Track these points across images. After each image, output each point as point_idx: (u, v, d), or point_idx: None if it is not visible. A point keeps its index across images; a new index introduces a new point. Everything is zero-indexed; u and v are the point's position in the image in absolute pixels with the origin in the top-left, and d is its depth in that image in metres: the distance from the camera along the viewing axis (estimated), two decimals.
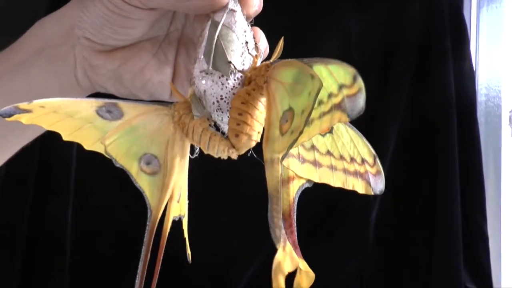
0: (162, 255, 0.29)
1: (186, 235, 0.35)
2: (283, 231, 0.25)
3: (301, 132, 0.26)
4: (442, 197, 0.93)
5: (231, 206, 0.89)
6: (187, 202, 0.34)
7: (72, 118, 0.30)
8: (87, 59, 0.36)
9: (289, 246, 0.25)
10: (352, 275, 0.95)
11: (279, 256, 0.25)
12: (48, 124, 0.30)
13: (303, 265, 0.27)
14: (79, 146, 0.33)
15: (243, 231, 0.88)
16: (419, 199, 0.95)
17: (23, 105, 0.29)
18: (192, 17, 0.38)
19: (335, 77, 0.26)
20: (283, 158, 0.27)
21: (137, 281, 0.29)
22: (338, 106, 0.25)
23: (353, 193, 0.97)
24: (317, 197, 0.92)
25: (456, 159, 0.95)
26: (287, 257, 0.25)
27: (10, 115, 0.29)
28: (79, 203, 0.88)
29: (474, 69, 1.05)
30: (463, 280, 0.97)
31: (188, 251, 0.37)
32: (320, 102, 0.26)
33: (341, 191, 0.97)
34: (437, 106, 0.94)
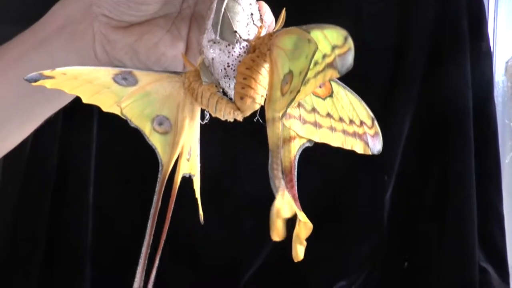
0: (172, 205, 0.32)
1: (197, 195, 0.37)
2: (282, 182, 0.28)
3: (298, 91, 0.29)
4: (456, 177, 0.94)
5: (243, 188, 0.92)
6: (198, 163, 0.36)
7: (91, 83, 0.33)
8: (105, 35, 0.39)
9: (287, 195, 0.28)
10: (365, 256, 0.96)
11: (277, 203, 0.27)
12: (69, 88, 0.32)
13: (302, 216, 0.30)
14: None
15: (255, 214, 0.91)
16: (433, 179, 0.96)
17: (47, 72, 0.32)
18: None
19: (329, 40, 0.28)
20: (282, 115, 0.29)
21: (148, 229, 0.31)
22: (330, 65, 0.27)
23: (367, 174, 0.98)
24: (330, 178, 0.95)
25: (471, 139, 0.96)
26: (285, 204, 0.27)
27: (35, 81, 0.32)
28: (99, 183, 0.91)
29: (492, 50, 1.05)
30: (478, 259, 0.98)
31: (201, 212, 0.39)
32: (316, 63, 0.28)
33: (354, 172, 0.97)
34: (453, 87, 0.95)
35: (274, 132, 0.30)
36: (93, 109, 0.90)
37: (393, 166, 0.93)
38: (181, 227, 0.92)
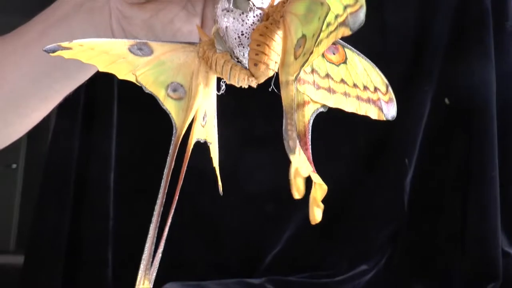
0: (185, 166, 0.32)
1: (215, 164, 0.38)
2: (297, 142, 0.28)
3: (311, 53, 0.29)
4: (478, 159, 0.93)
5: (267, 170, 0.92)
6: (215, 131, 0.37)
7: (107, 54, 0.33)
8: (121, 11, 0.40)
9: (302, 154, 0.28)
10: (385, 240, 0.96)
11: (295, 162, 0.27)
12: (86, 58, 0.33)
13: (316, 178, 0.30)
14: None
15: (277, 197, 0.91)
16: (454, 163, 0.95)
17: (65, 43, 0.33)
18: None
19: (342, 1, 0.28)
20: (296, 77, 0.30)
21: (161, 190, 0.32)
22: (343, 23, 0.27)
23: (388, 157, 0.98)
24: (351, 162, 0.95)
25: (494, 120, 0.95)
26: (302, 163, 0.28)
27: (53, 51, 0.33)
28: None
29: None
30: (501, 243, 0.96)
31: (219, 182, 0.40)
32: (328, 24, 0.28)
33: (376, 156, 0.97)
34: (476, 67, 0.94)
35: (288, 95, 0.30)
36: (113, 108, 0.92)
37: (413, 149, 0.93)
38: (204, 211, 0.94)
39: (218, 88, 0.38)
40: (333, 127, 0.82)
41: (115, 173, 0.92)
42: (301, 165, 0.27)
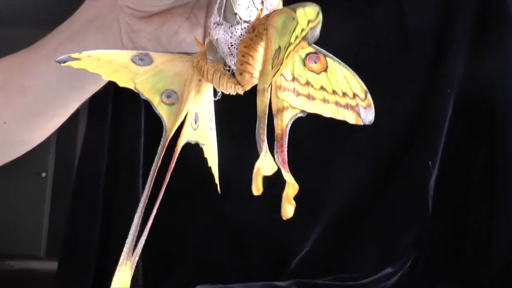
0: (172, 166, 0.36)
1: (210, 163, 0.41)
2: (265, 144, 0.31)
3: (281, 63, 0.32)
4: (502, 160, 0.92)
5: (292, 174, 0.94)
6: (209, 134, 0.41)
7: (111, 63, 0.38)
8: (130, 25, 0.44)
9: (268, 155, 0.31)
10: (410, 242, 0.97)
11: (259, 162, 0.31)
12: (92, 68, 0.37)
13: (289, 178, 0.33)
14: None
15: (303, 201, 0.93)
16: (479, 163, 0.95)
17: (74, 54, 0.37)
18: None
19: (307, 16, 0.31)
20: (269, 86, 0.33)
21: (146, 187, 0.36)
22: (304, 37, 0.30)
23: (411, 160, 0.99)
24: (374, 165, 0.96)
25: None
26: (266, 163, 0.31)
27: (64, 62, 0.37)
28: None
29: None
30: None
31: (216, 181, 0.43)
32: (296, 37, 0.31)
33: (399, 159, 0.99)
34: (498, 65, 0.93)
35: (263, 102, 0.33)
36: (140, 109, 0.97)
37: (436, 151, 0.93)
38: (231, 215, 0.97)
39: (215, 94, 0.41)
40: (356, 131, 0.84)
41: (143, 179, 0.97)
42: (264, 165, 0.30)
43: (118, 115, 0.96)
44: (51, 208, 5.28)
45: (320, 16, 0.29)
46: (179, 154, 0.38)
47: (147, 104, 0.39)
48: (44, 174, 5.18)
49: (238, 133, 0.66)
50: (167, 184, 0.37)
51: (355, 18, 0.83)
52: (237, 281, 0.98)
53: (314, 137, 0.87)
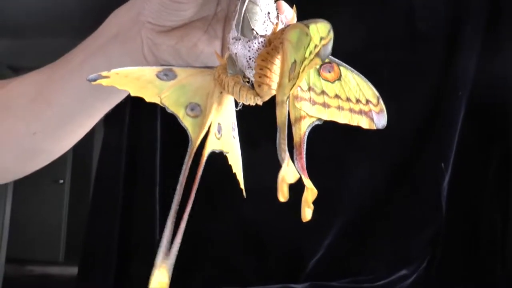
0: (200, 175, 0.39)
1: (235, 170, 0.44)
2: (287, 153, 0.34)
3: (298, 77, 0.34)
4: None
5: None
6: (232, 142, 0.43)
7: (138, 80, 0.40)
8: (151, 39, 0.46)
9: (291, 163, 0.33)
10: (424, 244, 0.98)
11: (283, 171, 0.33)
12: (120, 85, 0.40)
13: (308, 183, 0.35)
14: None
15: (318, 205, 0.95)
16: (492, 164, 0.96)
17: (104, 73, 0.40)
18: None
19: (320, 32, 0.33)
20: (287, 98, 0.35)
21: (175, 197, 0.38)
22: (317, 53, 0.32)
23: (424, 162, 1.01)
24: (387, 167, 0.97)
25: None
26: (289, 171, 0.33)
27: (95, 80, 0.40)
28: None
29: None
30: None
31: (242, 187, 0.46)
32: (310, 53, 0.34)
33: (412, 162, 1.00)
34: (509, 64, 0.94)
35: (282, 113, 0.35)
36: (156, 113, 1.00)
37: (449, 153, 0.94)
38: (249, 218, 0.99)
39: (237, 105, 0.44)
40: (369, 134, 0.85)
41: (160, 186, 1.00)
42: (288, 173, 0.32)
43: (135, 120, 0.99)
44: (68, 214, 5.38)
45: (332, 34, 0.32)
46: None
47: (162, 110, 0.42)
48: (62, 181, 5.29)
49: (258, 138, 0.68)
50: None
51: (366, 20, 0.84)
52: (255, 284, 1.00)
53: (327, 142, 0.89)
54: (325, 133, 0.38)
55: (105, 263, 1.04)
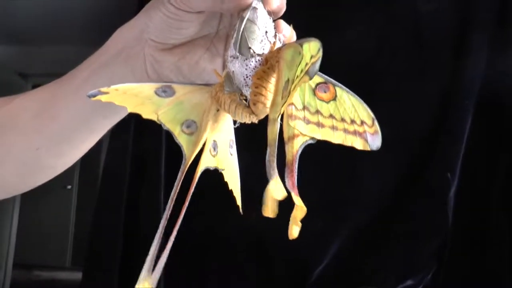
0: (192, 191, 0.39)
1: (231, 187, 0.44)
2: (276, 171, 0.34)
3: (289, 95, 0.35)
4: None
5: (313, 187, 0.96)
6: (229, 159, 0.43)
7: (136, 96, 0.41)
8: (154, 56, 0.47)
9: (279, 180, 0.33)
10: (431, 254, 0.97)
11: (271, 186, 0.33)
12: (119, 101, 0.41)
13: (298, 201, 0.35)
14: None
15: (323, 215, 0.95)
16: (500, 174, 0.94)
17: (103, 89, 0.41)
18: (232, 16, 0.48)
19: (311, 51, 0.33)
20: (278, 116, 0.35)
21: (167, 209, 0.38)
22: (307, 71, 0.32)
23: (431, 173, 0.99)
24: (393, 178, 0.96)
25: None
26: (277, 188, 0.33)
27: (94, 96, 0.41)
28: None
29: None
30: None
31: (238, 203, 0.46)
32: (301, 71, 0.34)
33: (418, 173, 0.99)
34: None
35: (273, 131, 0.36)
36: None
37: (455, 164, 0.93)
38: (253, 227, 0.99)
39: (235, 122, 0.44)
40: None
41: (165, 192, 1.01)
42: (276, 190, 0.32)
43: (141, 128, 1.00)
44: (76, 219, 5.44)
45: (321, 52, 0.32)
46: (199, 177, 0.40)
47: None
48: (69, 187, 5.37)
49: (263, 147, 0.68)
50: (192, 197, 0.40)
51: (372, 26, 0.84)
52: None
53: (335, 152, 0.88)
54: (332, 144, 0.37)
55: (109, 269, 1.04)
